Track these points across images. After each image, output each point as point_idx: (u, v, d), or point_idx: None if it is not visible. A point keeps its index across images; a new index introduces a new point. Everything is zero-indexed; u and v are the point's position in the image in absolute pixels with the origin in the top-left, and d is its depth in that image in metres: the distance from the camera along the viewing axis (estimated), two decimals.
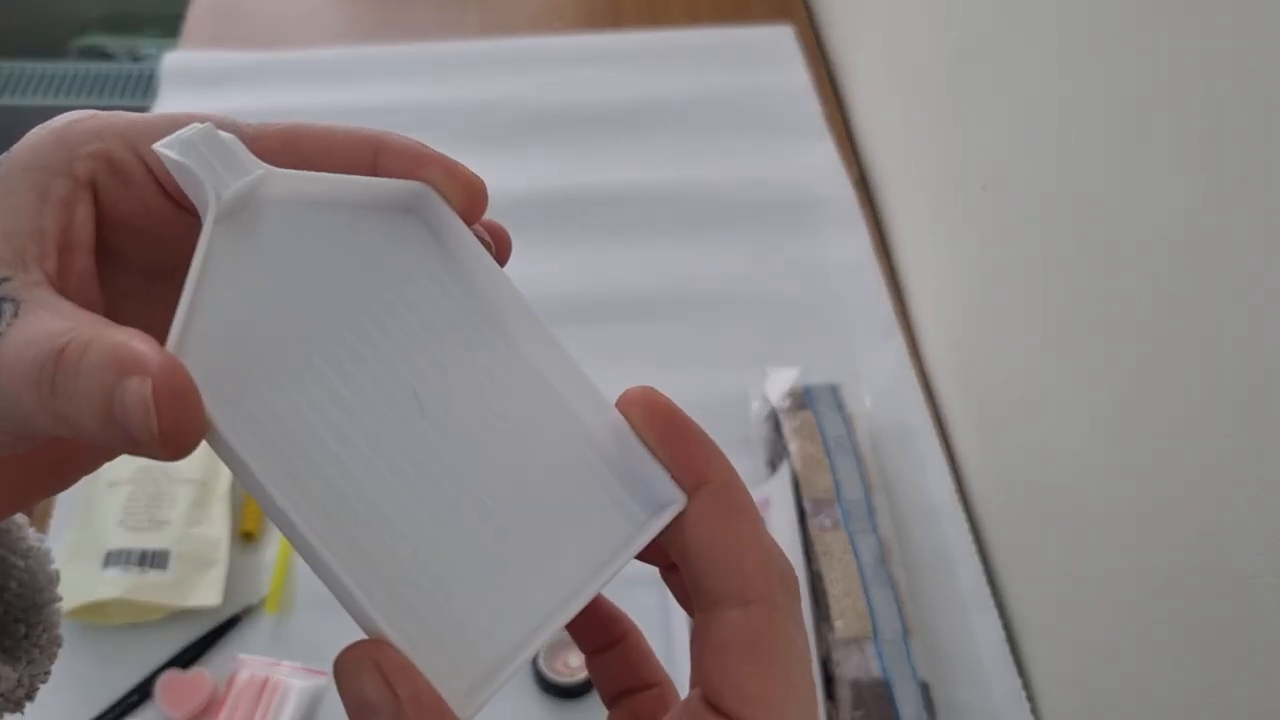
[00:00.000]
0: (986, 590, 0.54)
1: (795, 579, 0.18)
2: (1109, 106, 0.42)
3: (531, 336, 0.18)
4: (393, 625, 0.15)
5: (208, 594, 0.52)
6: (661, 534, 0.18)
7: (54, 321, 0.16)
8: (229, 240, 0.16)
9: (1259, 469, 0.34)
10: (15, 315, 0.16)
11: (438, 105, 0.78)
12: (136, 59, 1.35)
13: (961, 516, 0.57)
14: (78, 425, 0.15)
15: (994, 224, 0.55)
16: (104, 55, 1.35)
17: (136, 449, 0.15)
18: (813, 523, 0.52)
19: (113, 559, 0.51)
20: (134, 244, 0.19)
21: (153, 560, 0.52)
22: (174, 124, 0.18)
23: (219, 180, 0.16)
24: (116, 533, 0.53)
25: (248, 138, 0.18)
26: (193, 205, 0.17)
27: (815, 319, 0.65)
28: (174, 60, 0.81)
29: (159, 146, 0.17)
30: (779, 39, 0.84)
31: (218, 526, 0.54)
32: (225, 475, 0.56)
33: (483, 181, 0.20)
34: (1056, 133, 0.47)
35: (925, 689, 0.47)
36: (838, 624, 0.49)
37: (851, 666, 0.47)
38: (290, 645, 0.51)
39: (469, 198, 0.19)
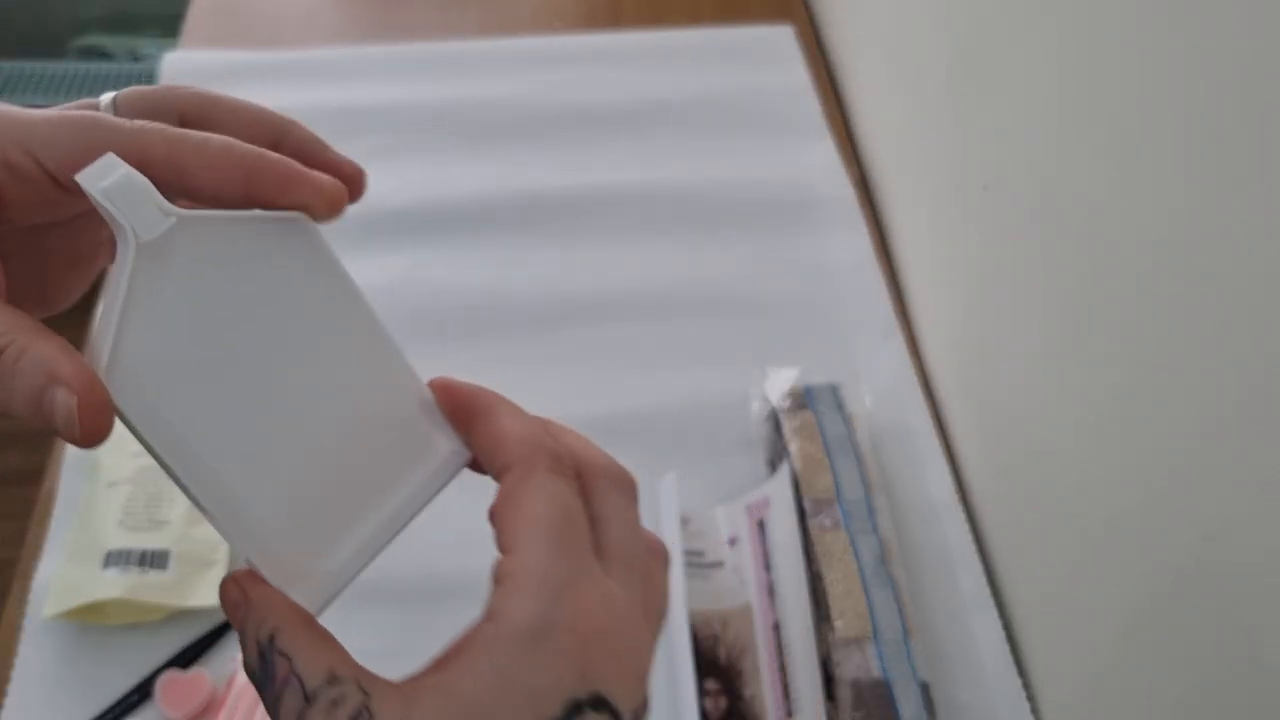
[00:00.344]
0: (987, 590, 0.54)
1: (562, 459, 0.22)
2: (1109, 107, 0.42)
3: (371, 333, 0.23)
4: (253, 546, 0.22)
5: (208, 594, 0.52)
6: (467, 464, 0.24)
7: None
8: (144, 272, 0.20)
9: (1260, 468, 0.34)
10: None
11: (437, 105, 0.78)
12: (136, 59, 1.35)
13: (962, 517, 0.57)
14: (9, 408, 0.19)
15: (994, 224, 0.55)
16: (104, 55, 1.35)
17: (58, 435, 0.19)
18: (813, 523, 0.52)
19: (112, 559, 0.51)
20: (24, 217, 0.22)
21: (152, 560, 0.52)
22: (64, 126, 0.21)
23: (139, 224, 0.20)
24: (116, 533, 0.53)
25: (136, 141, 0.21)
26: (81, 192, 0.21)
27: (815, 319, 0.65)
28: (173, 60, 0.81)
29: (83, 181, 0.20)
30: (779, 39, 0.84)
31: None
32: None
33: (342, 188, 0.22)
34: (1057, 133, 0.47)
35: (925, 689, 0.47)
36: (838, 624, 0.49)
37: (852, 666, 0.48)
38: None
39: (334, 206, 0.22)
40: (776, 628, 0.51)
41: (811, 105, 0.79)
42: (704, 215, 0.71)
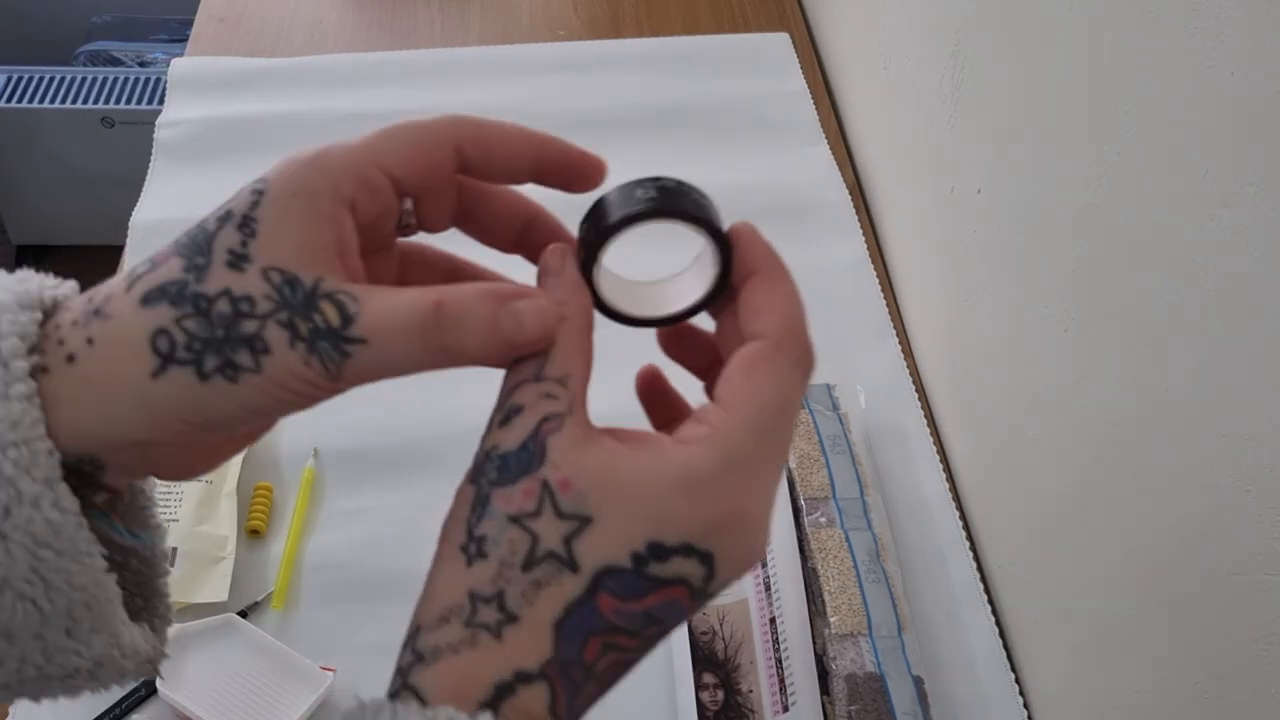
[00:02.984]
0: (979, 586, 0.55)
1: (811, 359, 0.24)
2: (1103, 111, 0.43)
3: None
4: None
5: (215, 590, 0.52)
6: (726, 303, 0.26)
7: (395, 293, 0.22)
8: None
9: (1250, 465, 0.34)
10: (355, 299, 0.21)
11: (440, 110, 0.78)
12: (144, 64, 1.36)
13: (954, 514, 0.57)
14: (461, 349, 0.22)
15: (987, 228, 0.55)
16: (112, 61, 1.36)
17: (511, 352, 0.22)
18: (808, 520, 0.53)
19: None
20: (374, 233, 0.24)
21: None
22: (389, 137, 0.23)
23: None
24: None
25: (449, 132, 0.24)
26: (423, 181, 0.24)
27: (811, 320, 0.66)
28: (181, 66, 0.82)
29: None
30: (775, 46, 0.85)
31: (224, 524, 0.55)
32: (232, 473, 0.57)
33: (602, 165, 0.26)
34: (1048, 139, 0.48)
35: (919, 683, 0.48)
36: (833, 620, 0.49)
37: (846, 661, 0.48)
38: (296, 641, 0.52)
39: (593, 181, 0.26)
40: (773, 623, 0.51)
41: (807, 111, 0.80)
42: None
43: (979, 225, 0.56)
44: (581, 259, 0.25)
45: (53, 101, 1.29)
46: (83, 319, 0.21)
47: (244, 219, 0.22)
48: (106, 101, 1.28)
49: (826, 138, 0.78)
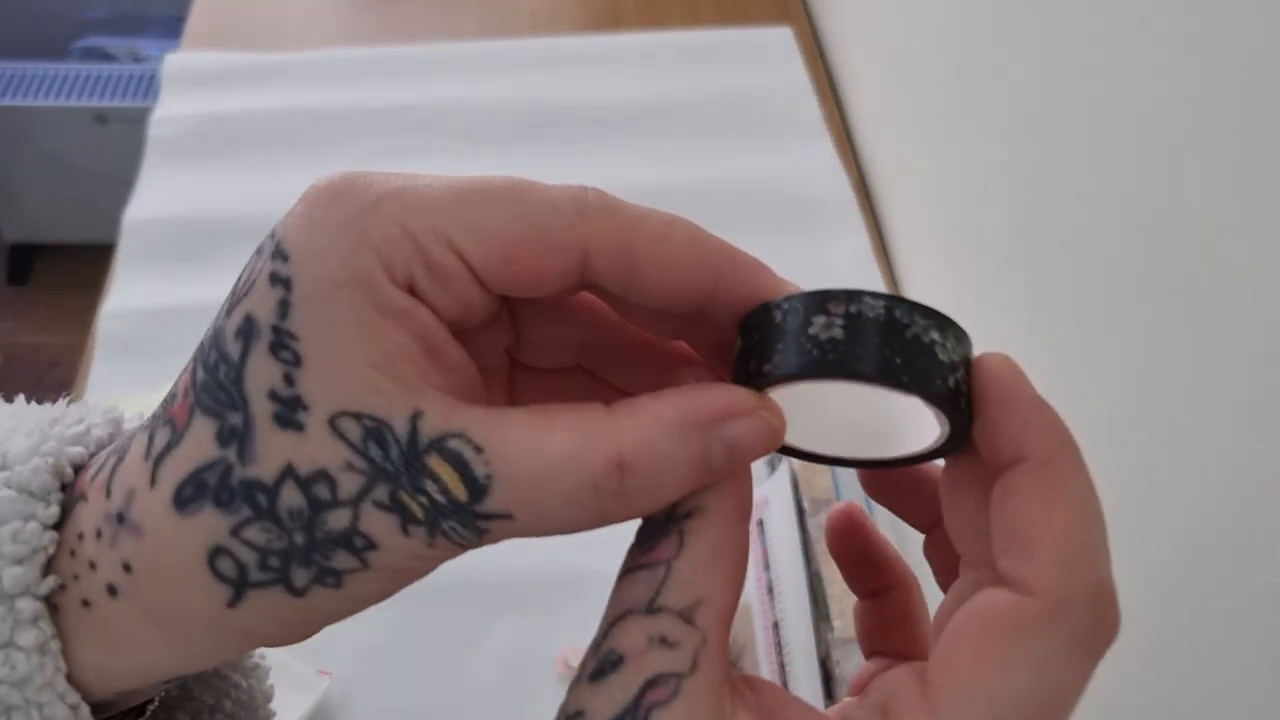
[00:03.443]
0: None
1: (1106, 635, 0.16)
2: (1108, 105, 0.42)
3: None
4: None
5: None
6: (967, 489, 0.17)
7: (536, 437, 0.15)
8: None
9: (1258, 467, 0.34)
10: (480, 449, 0.14)
11: (438, 107, 0.78)
12: (137, 60, 1.35)
13: None
14: (656, 505, 0.15)
15: (994, 224, 0.55)
16: (105, 56, 1.36)
17: (715, 479, 0.15)
18: (812, 522, 0.52)
19: None
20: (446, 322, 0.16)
21: None
22: (486, 205, 0.15)
23: None
24: None
25: (580, 232, 0.16)
26: (513, 289, 0.16)
27: None
28: (175, 62, 0.81)
29: None
30: (778, 40, 0.85)
31: None
32: None
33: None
34: (1055, 132, 0.47)
35: None
36: (837, 623, 0.49)
37: (851, 665, 0.48)
38: (292, 646, 0.51)
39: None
40: (776, 626, 0.51)
41: (810, 106, 0.79)
42: (703, 216, 0.70)
43: (985, 223, 0.56)
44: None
45: (45, 98, 1.28)
46: (107, 529, 0.15)
47: (275, 335, 0.15)
48: (100, 98, 1.27)
49: (830, 133, 0.77)
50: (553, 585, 0.53)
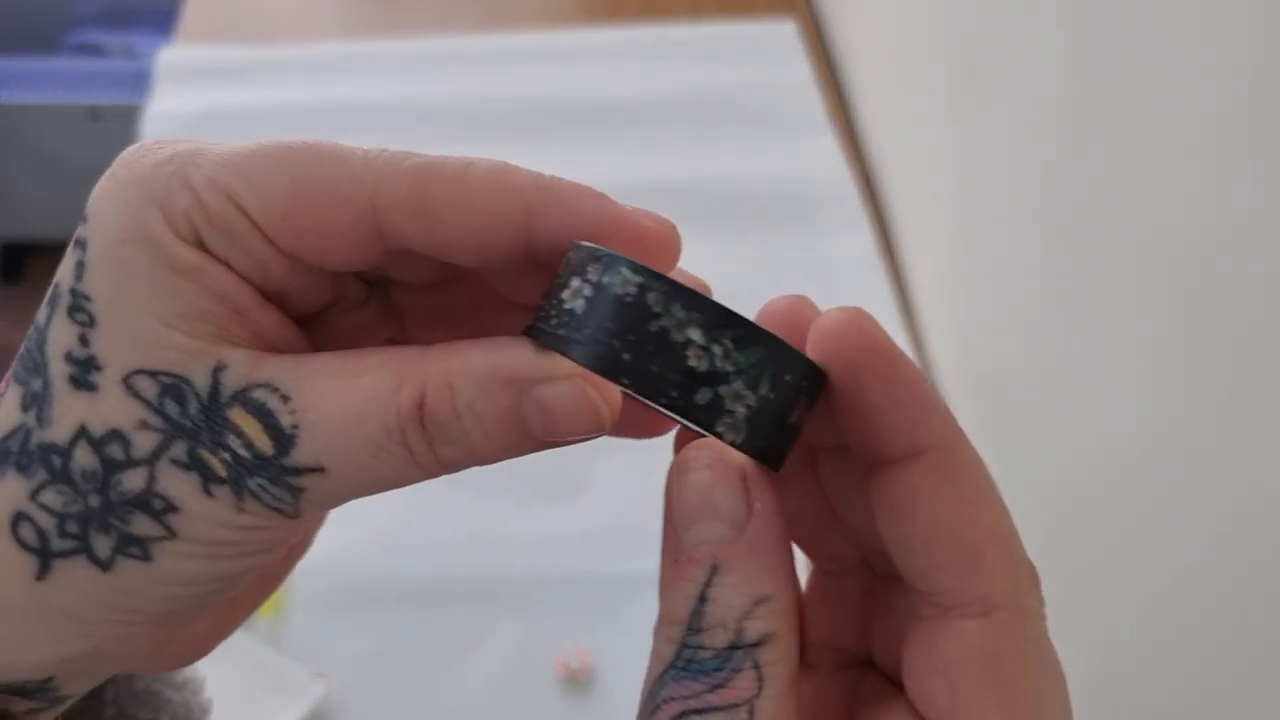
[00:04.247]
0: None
1: (1038, 578, 0.15)
2: (1118, 99, 0.41)
3: None
4: None
5: None
6: (864, 506, 0.15)
7: (344, 383, 0.14)
8: None
9: (1272, 461, 0.33)
10: (287, 398, 0.14)
11: (435, 101, 0.77)
12: (131, 55, 1.34)
13: None
14: (466, 461, 0.14)
15: (1000, 219, 0.54)
16: (98, 51, 1.34)
17: (547, 448, 0.14)
18: None
19: None
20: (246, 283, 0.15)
21: None
22: (268, 158, 0.14)
23: None
24: None
25: (367, 182, 0.15)
26: (303, 248, 0.15)
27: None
28: (169, 56, 0.80)
29: None
30: (781, 34, 0.84)
31: None
32: None
33: (671, 227, 0.16)
34: (1062, 128, 0.47)
35: None
36: None
37: None
38: (287, 648, 0.50)
39: (664, 258, 0.16)
40: None
41: (814, 101, 0.79)
42: (705, 212, 0.71)
43: (994, 218, 0.55)
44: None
45: (38, 93, 1.27)
46: None
47: (73, 298, 0.14)
48: (94, 92, 1.26)
49: (834, 128, 0.77)
50: (553, 588, 0.52)
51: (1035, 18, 0.49)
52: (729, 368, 0.13)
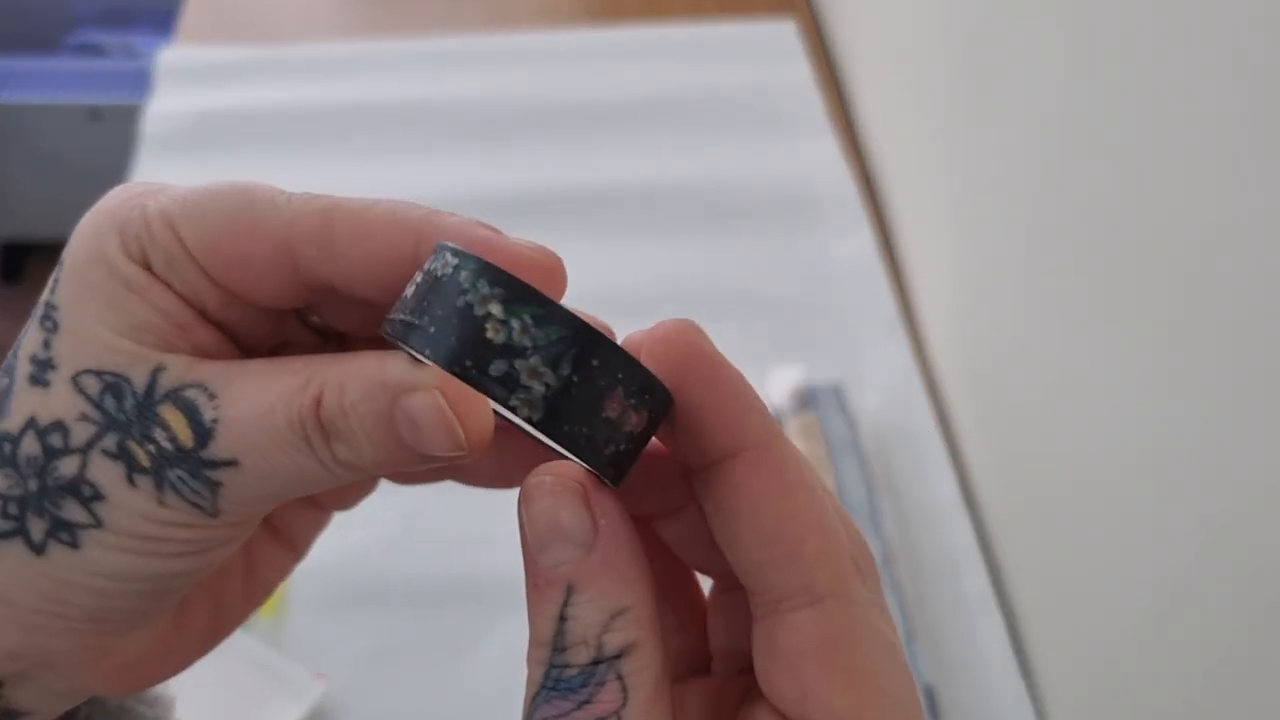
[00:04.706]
0: (991, 593, 0.54)
1: (870, 556, 0.15)
2: (1118, 98, 0.41)
3: None
4: None
5: None
6: (693, 513, 0.16)
7: (265, 383, 0.15)
8: None
9: (1270, 467, 0.33)
10: (213, 396, 0.15)
11: (437, 101, 0.77)
12: (131, 55, 1.34)
13: (966, 518, 0.56)
14: (359, 462, 0.15)
15: (1001, 219, 0.54)
16: (98, 51, 1.34)
17: (428, 462, 0.15)
18: None
19: None
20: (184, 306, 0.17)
21: None
22: (211, 197, 0.16)
23: None
24: None
25: (285, 217, 0.16)
26: (231, 277, 0.16)
27: (818, 317, 0.65)
28: (169, 56, 0.80)
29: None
30: (781, 34, 0.84)
31: None
32: None
33: (553, 257, 0.17)
34: (1066, 127, 0.47)
35: (930, 692, 0.47)
36: None
37: None
38: (287, 648, 0.50)
39: (546, 286, 0.16)
40: None
41: (814, 101, 0.79)
42: (705, 212, 0.71)
43: (994, 218, 0.55)
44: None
45: (38, 93, 1.27)
46: None
47: (45, 309, 0.16)
48: (93, 93, 1.26)
49: (834, 128, 0.77)
50: None
51: (1036, 17, 0.49)
52: (526, 342, 0.14)
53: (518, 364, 0.14)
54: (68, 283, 0.16)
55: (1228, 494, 0.36)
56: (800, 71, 0.81)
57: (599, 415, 0.14)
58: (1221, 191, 0.35)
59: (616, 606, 0.14)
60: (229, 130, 0.75)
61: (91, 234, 0.16)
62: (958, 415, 0.61)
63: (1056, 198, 0.48)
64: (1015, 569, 0.54)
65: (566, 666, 0.15)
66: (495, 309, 0.14)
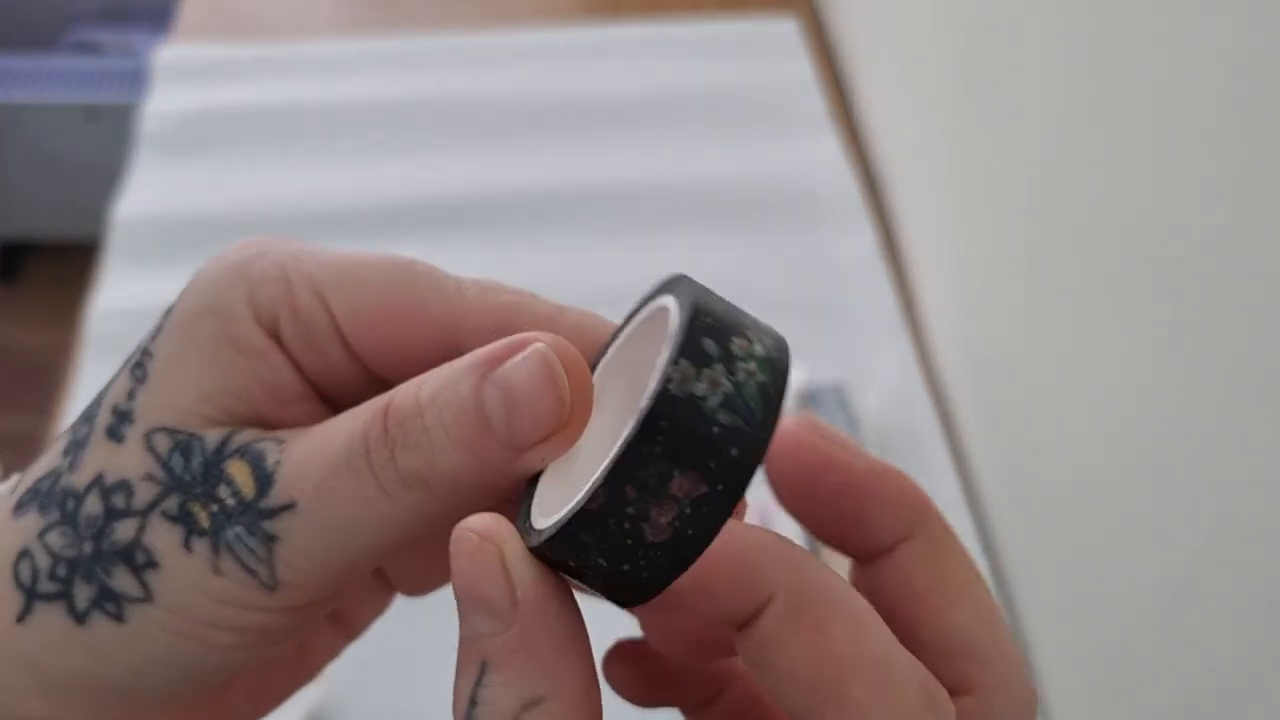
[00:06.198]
0: (995, 594, 0.53)
1: (931, 692, 0.13)
2: (1120, 97, 0.41)
3: None
4: None
5: None
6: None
7: (342, 419, 0.14)
8: None
9: (1272, 467, 0.33)
10: (278, 443, 0.14)
11: (435, 99, 0.77)
12: (128, 53, 1.33)
13: (969, 519, 0.56)
14: (428, 474, 0.13)
15: (1003, 217, 0.54)
16: (95, 49, 1.34)
17: (512, 465, 0.13)
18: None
19: None
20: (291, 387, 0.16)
21: None
22: (369, 268, 0.15)
23: None
24: None
25: (455, 307, 0.15)
26: (377, 357, 0.15)
27: (820, 317, 0.65)
28: (166, 54, 0.80)
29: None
30: (782, 31, 0.83)
31: None
32: None
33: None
34: (1070, 126, 0.46)
35: None
36: None
37: None
38: None
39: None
40: None
41: (815, 99, 0.78)
42: (706, 211, 0.70)
43: (996, 216, 0.55)
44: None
45: (35, 92, 1.26)
46: None
47: (140, 355, 0.15)
48: (90, 91, 1.25)
49: (836, 126, 0.76)
50: None
51: (1037, 15, 0.49)
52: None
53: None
54: (170, 332, 0.15)
55: (1229, 493, 0.35)
56: (801, 69, 0.80)
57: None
58: (1224, 190, 0.35)
59: (530, 695, 0.13)
60: (227, 128, 0.74)
61: (212, 285, 0.15)
62: (960, 415, 0.61)
63: (1058, 195, 0.48)
64: (1017, 568, 0.54)
65: None
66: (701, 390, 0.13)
